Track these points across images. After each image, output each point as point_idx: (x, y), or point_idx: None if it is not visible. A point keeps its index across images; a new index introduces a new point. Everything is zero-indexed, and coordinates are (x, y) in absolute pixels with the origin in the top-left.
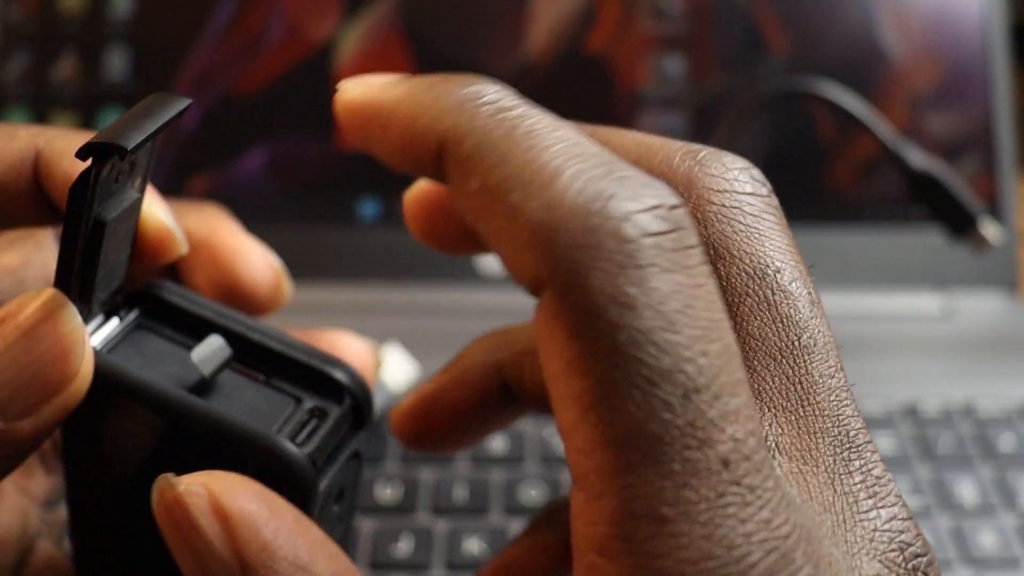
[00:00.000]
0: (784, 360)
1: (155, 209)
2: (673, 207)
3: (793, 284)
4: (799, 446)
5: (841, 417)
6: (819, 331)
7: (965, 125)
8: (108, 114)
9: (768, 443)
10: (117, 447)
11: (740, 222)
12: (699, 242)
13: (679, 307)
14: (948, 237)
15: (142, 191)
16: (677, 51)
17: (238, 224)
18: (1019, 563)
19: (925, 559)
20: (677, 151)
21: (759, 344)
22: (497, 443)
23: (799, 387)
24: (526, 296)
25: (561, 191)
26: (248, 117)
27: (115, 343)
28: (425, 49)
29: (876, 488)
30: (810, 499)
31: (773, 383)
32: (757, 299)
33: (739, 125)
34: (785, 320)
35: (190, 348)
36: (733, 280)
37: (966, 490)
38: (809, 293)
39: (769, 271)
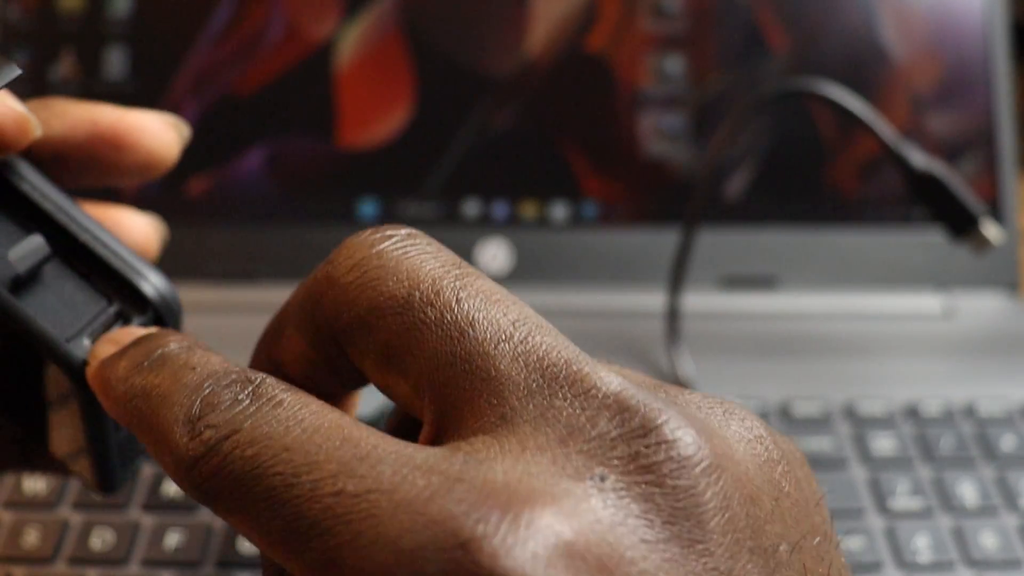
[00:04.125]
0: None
1: (5, 99)
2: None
3: None
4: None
5: None
6: None
7: (966, 125)
8: None
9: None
10: None
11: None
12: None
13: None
14: (949, 237)
15: None
16: (677, 51)
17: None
18: (1020, 564)
19: None
20: None
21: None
22: None
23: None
24: (526, 296)
25: None
26: (247, 117)
27: None
28: (425, 49)
29: None
30: None
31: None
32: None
33: (739, 125)
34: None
35: (22, 236)
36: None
37: (967, 491)
38: None
39: None
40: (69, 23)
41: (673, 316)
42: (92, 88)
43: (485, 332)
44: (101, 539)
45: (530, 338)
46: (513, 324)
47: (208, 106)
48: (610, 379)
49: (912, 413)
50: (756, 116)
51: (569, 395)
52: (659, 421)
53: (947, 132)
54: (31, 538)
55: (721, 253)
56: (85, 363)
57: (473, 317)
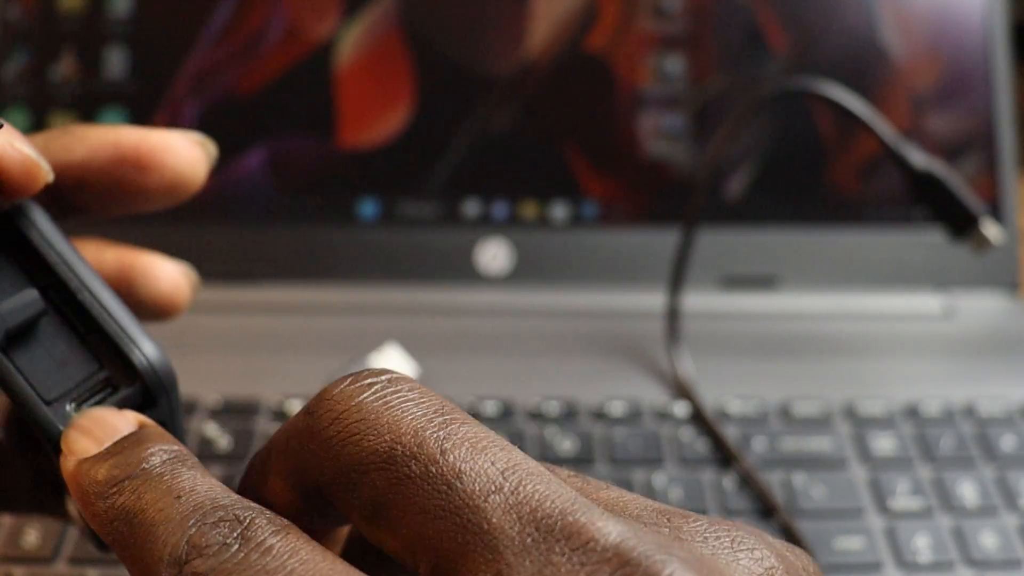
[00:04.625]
0: None
1: (13, 142)
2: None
3: None
4: None
5: None
6: None
7: (966, 125)
8: (107, 114)
9: None
10: None
11: None
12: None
13: None
14: (949, 237)
15: None
16: (677, 50)
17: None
18: (1020, 564)
19: None
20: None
21: None
22: None
23: None
24: (526, 296)
25: None
26: (247, 117)
27: None
28: (425, 48)
29: None
30: None
31: None
32: None
33: (739, 125)
34: None
35: (20, 287)
36: None
37: (967, 490)
38: None
39: None
40: (69, 23)
41: (673, 316)
42: (92, 88)
43: (473, 484)
44: None
45: (521, 488)
46: (502, 473)
47: (208, 106)
48: (608, 529)
49: (912, 413)
50: (756, 116)
51: (567, 549)
52: (664, 574)
53: (947, 132)
54: (31, 538)
55: (721, 253)
56: (59, 431)
57: (459, 468)
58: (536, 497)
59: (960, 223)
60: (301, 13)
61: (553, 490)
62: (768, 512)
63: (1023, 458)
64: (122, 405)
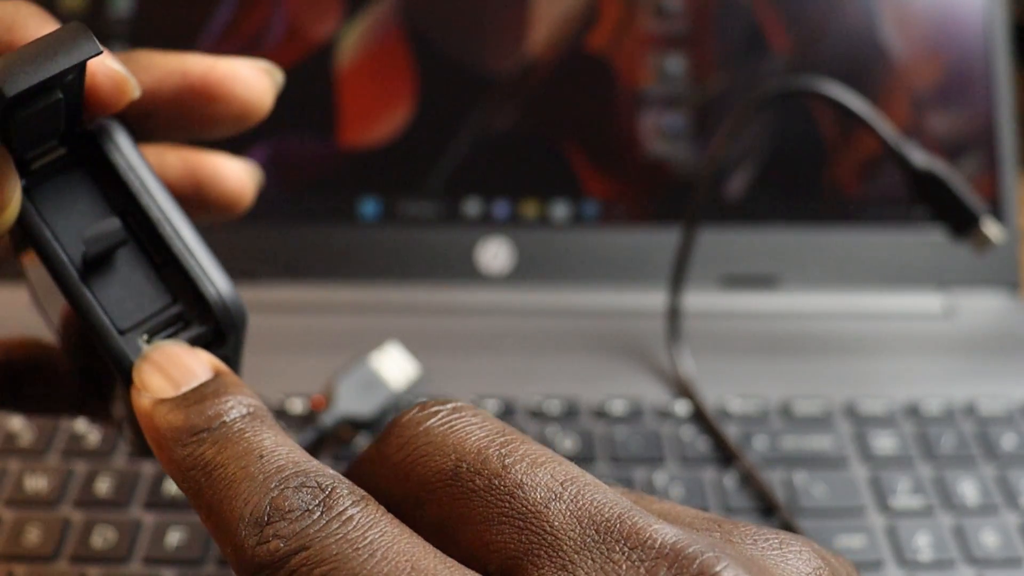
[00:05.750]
0: None
1: (104, 59)
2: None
3: None
4: None
5: None
6: None
7: (967, 124)
8: None
9: None
10: (37, 273)
11: None
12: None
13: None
14: (950, 236)
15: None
16: (678, 50)
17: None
18: (1021, 562)
19: None
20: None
21: None
22: None
23: None
24: (527, 295)
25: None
26: None
27: (48, 178)
28: (425, 48)
29: None
30: None
31: None
32: None
33: (740, 124)
34: None
35: (103, 214)
36: None
37: (968, 489)
38: None
39: None
40: (70, 22)
41: (674, 315)
42: None
43: (535, 493)
44: (103, 537)
45: (580, 496)
46: (562, 484)
47: None
48: (665, 530)
49: (913, 412)
50: (757, 115)
51: (626, 548)
52: (717, 569)
53: (948, 131)
54: (32, 536)
55: (722, 252)
56: (131, 362)
57: (521, 480)
58: (595, 504)
59: (961, 222)
60: (302, 13)
61: (610, 498)
62: (769, 511)
63: (1023, 457)
64: (193, 341)
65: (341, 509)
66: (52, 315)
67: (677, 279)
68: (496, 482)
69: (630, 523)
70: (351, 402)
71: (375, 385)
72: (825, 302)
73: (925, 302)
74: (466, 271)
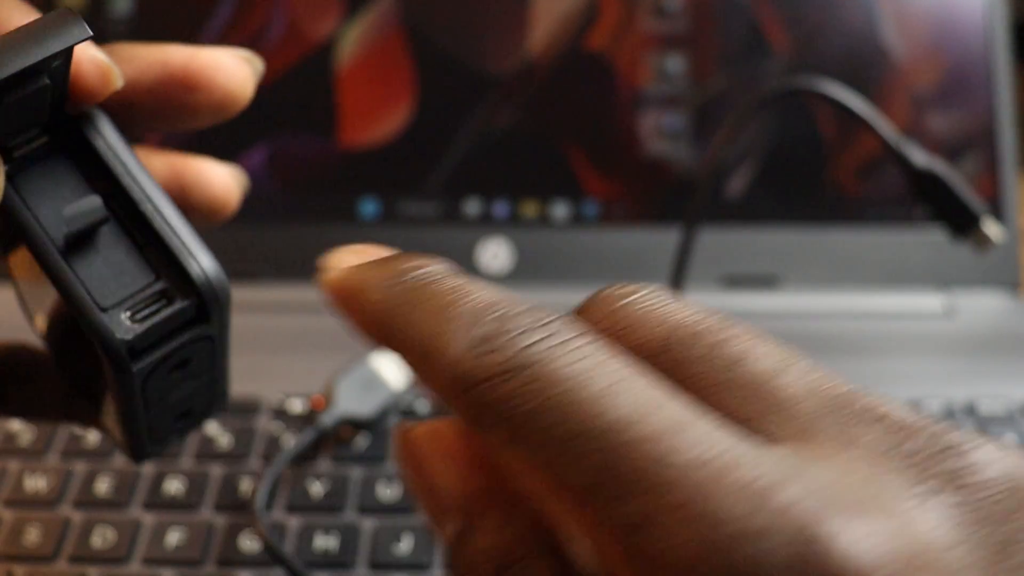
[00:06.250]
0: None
1: (87, 48)
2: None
3: None
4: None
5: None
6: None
7: (967, 124)
8: None
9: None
10: (22, 270)
11: None
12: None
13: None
14: (950, 236)
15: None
16: (678, 49)
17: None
18: None
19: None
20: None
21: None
22: None
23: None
24: (527, 295)
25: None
26: (248, 116)
27: (30, 165)
28: (426, 48)
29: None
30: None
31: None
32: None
33: (740, 124)
34: None
35: (83, 194)
36: None
37: None
38: None
39: None
40: None
41: None
42: None
43: (763, 363)
44: (102, 537)
45: (808, 372)
46: (785, 360)
47: None
48: (902, 409)
49: None
50: (757, 115)
51: (865, 419)
52: (970, 445)
53: (948, 131)
54: (32, 536)
55: (722, 252)
56: (114, 335)
57: (744, 349)
58: (826, 379)
59: (961, 222)
60: (302, 12)
61: (839, 379)
62: None
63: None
64: (176, 317)
65: (568, 337)
66: (39, 317)
67: (677, 279)
68: (715, 351)
69: (865, 399)
70: (351, 402)
71: (375, 385)
72: (825, 302)
73: (925, 302)
74: (466, 271)
